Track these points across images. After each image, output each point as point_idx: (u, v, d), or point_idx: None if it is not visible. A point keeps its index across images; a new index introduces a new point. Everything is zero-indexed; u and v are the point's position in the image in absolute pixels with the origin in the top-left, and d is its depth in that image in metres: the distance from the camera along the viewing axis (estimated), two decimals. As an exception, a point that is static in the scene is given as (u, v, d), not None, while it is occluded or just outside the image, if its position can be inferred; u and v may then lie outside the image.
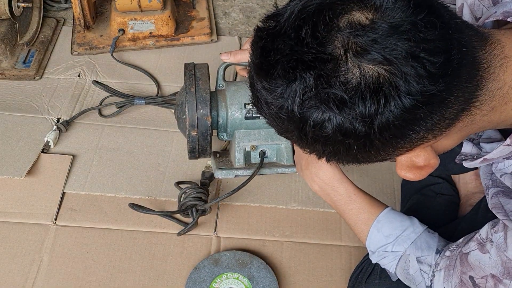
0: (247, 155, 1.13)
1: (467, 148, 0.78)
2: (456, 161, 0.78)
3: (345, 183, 0.95)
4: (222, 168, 1.12)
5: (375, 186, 1.30)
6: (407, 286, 0.91)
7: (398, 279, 0.92)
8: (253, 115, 1.10)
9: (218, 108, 1.09)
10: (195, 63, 1.12)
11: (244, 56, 1.04)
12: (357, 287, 1.03)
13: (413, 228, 0.89)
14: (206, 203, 1.17)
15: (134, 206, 1.18)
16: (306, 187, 1.27)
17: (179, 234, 1.19)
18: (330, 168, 0.95)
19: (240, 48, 1.23)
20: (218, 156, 1.19)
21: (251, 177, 1.09)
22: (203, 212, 1.18)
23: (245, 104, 1.09)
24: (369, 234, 0.90)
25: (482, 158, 0.72)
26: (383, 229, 0.90)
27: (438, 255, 0.86)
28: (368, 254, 0.95)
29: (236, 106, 1.09)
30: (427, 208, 1.19)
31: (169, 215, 1.20)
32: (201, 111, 1.05)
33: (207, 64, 1.12)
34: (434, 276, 0.85)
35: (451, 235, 0.94)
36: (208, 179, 1.26)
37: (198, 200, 1.17)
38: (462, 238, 0.84)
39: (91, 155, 1.34)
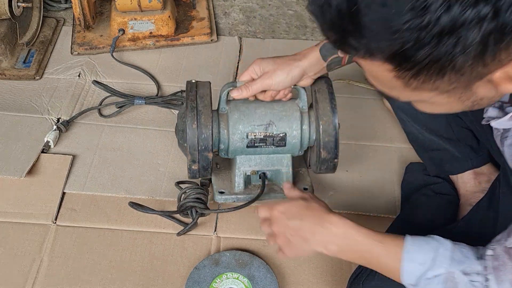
0: (247, 179, 1.15)
1: (493, 112, 0.78)
2: (483, 122, 0.78)
3: (360, 228, 0.90)
4: (222, 192, 1.16)
5: (375, 186, 1.30)
6: (403, 286, 0.89)
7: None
8: (255, 144, 1.10)
9: (220, 135, 1.09)
10: (197, 84, 1.11)
11: (259, 86, 1.04)
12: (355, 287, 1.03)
13: (442, 245, 0.84)
14: (206, 204, 1.17)
15: (134, 205, 1.18)
16: (306, 187, 1.27)
17: (179, 234, 1.19)
18: (340, 220, 0.91)
19: (238, 54, 1.21)
20: (217, 167, 1.20)
21: (250, 202, 1.12)
22: (203, 213, 1.18)
23: (247, 134, 1.09)
24: (404, 268, 0.85)
25: (510, 115, 0.73)
26: (415, 258, 0.85)
27: (480, 259, 0.82)
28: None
29: (238, 136, 1.09)
30: (427, 207, 1.19)
31: (168, 214, 1.20)
32: (203, 147, 1.05)
33: (209, 85, 1.12)
34: (487, 280, 0.80)
35: (451, 235, 0.93)
36: (208, 179, 1.26)
37: (198, 202, 1.16)
38: (499, 234, 0.80)
39: (91, 155, 1.34)
